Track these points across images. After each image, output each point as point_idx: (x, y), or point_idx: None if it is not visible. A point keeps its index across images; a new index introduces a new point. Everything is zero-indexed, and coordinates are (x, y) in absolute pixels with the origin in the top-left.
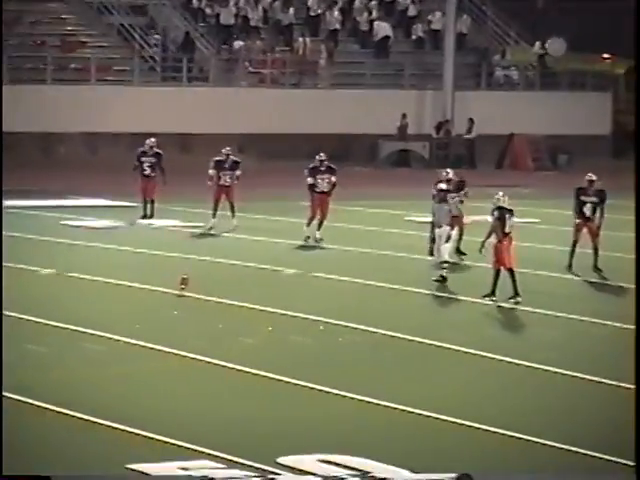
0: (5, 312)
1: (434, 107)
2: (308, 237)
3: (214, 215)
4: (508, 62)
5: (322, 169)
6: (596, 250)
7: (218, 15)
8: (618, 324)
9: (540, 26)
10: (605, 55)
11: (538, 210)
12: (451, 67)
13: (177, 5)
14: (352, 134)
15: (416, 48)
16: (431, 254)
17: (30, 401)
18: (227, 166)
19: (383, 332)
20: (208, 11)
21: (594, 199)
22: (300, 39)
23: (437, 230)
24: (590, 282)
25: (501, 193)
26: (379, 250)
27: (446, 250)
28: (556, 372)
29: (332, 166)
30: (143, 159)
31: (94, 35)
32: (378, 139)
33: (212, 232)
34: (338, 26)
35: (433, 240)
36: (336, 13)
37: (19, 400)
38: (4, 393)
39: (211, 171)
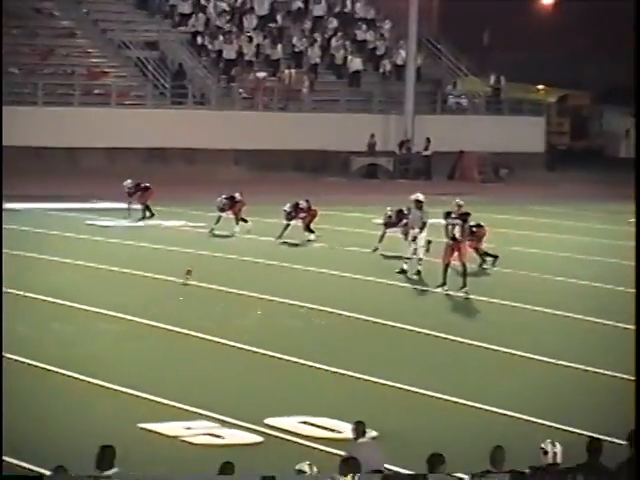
0: (36, 295)
1: (397, 128)
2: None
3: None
4: (459, 91)
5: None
6: (464, 266)
7: (220, 51)
8: (559, 312)
9: (485, 61)
10: (539, 86)
11: (484, 215)
12: (411, 95)
13: (184, 41)
14: (329, 150)
15: (383, 80)
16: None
17: (60, 370)
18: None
19: (356, 316)
20: (210, 47)
21: (458, 221)
22: (286, 71)
23: (411, 231)
24: (513, 273)
25: (457, 200)
26: (351, 247)
27: (421, 250)
28: (496, 350)
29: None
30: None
31: (115, 66)
32: (350, 155)
33: (215, 232)
34: (318, 60)
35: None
36: (316, 50)
37: (50, 370)
38: (36, 363)
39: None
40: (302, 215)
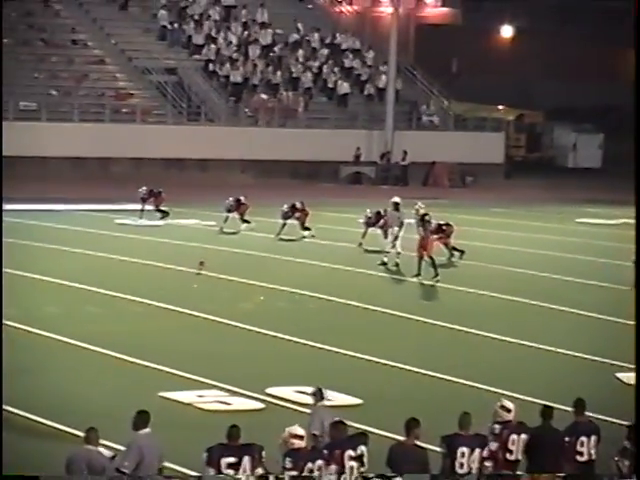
0: (72, 284)
1: (379, 142)
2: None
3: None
4: (431, 111)
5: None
6: (431, 259)
7: (228, 76)
8: (514, 298)
9: (454, 85)
10: (499, 106)
11: (452, 216)
12: (391, 114)
13: (198, 68)
14: (321, 160)
15: (367, 101)
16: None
17: (90, 347)
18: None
19: (343, 301)
20: (220, 72)
21: (420, 223)
22: (284, 93)
23: (390, 229)
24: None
25: (417, 205)
26: (338, 242)
27: (399, 246)
28: (460, 329)
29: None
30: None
31: (139, 89)
32: (339, 164)
33: (223, 230)
34: (311, 84)
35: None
36: (310, 75)
37: (81, 346)
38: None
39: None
40: (297, 215)
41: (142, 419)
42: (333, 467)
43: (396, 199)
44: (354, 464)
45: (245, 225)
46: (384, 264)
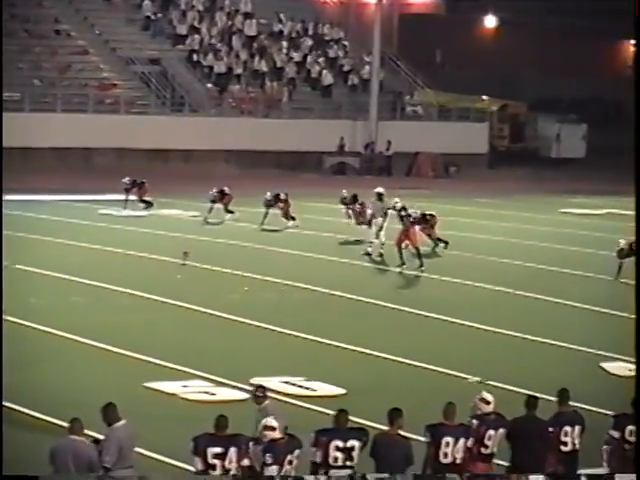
0: (55, 274)
1: (363, 132)
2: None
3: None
4: (415, 101)
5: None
6: (416, 249)
7: (212, 67)
8: (497, 288)
9: (438, 76)
10: (483, 97)
11: (435, 205)
12: (375, 104)
13: (182, 58)
14: (305, 151)
15: (351, 91)
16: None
17: (75, 337)
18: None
19: (326, 291)
20: (203, 63)
21: (403, 212)
22: (269, 83)
23: (374, 220)
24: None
25: (395, 199)
26: (321, 232)
27: (383, 236)
28: (444, 319)
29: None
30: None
31: (123, 79)
32: (323, 154)
33: (207, 220)
34: (295, 75)
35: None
36: (294, 66)
37: (66, 336)
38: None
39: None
40: (280, 205)
41: (112, 412)
42: (318, 453)
43: (379, 189)
44: (339, 455)
45: (229, 215)
46: (368, 254)
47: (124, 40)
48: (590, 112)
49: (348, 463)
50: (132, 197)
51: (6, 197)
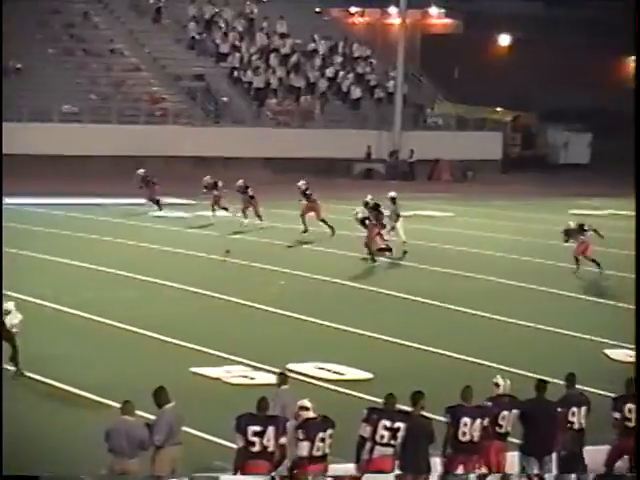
0: (109, 270)
1: (388, 141)
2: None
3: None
4: (436, 113)
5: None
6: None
7: (251, 82)
8: (511, 282)
9: (457, 90)
10: (498, 108)
11: (453, 207)
12: (399, 116)
13: (224, 75)
14: (336, 158)
15: (377, 104)
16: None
17: (128, 327)
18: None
19: (353, 284)
20: (244, 79)
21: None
22: (303, 97)
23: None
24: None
25: (369, 197)
26: (351, 232)
27: (402, 235)
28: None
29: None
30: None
31: (171, 94)
32: (352, 161)
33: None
34: (327, 89)
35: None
36: (326, 81)
37: (119, 327)
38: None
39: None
40: (249, 198)
41: (163, 395)
42: (368, 429)
43: (392, 194)
44: (386, 434)
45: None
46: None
47: (172, 58)
48: (595, 121)
49: (392, 442)
50: (172, 200)
51: (68, 201)
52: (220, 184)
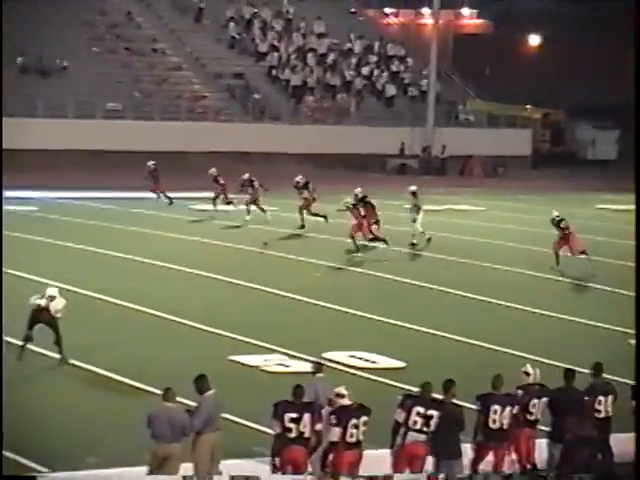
0: (146, 260)
1: (421, 138)
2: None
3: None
4: (467, 110)
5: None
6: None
7: (289, 80)
8: (538, 274)
9: (488, 87)
10: (528, 106)
11: (484, 202)
12: (432, 113)
13: (263, 73)
14: (370, 153)
15: (410, 101)
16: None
17: (167, 316)
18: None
19: (387, 276)
20: (282, 77)
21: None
22: (339, 95)
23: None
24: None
25: (358, 189)
26: (384, 225)
27: (420, 226)
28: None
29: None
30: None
31: (211, 91)
32: (386, 157)
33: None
34: (362, 88)
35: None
36: (361, 80)
37: (163, 317)
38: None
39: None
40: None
41: (204, 383)
42: (402, 414)
43: (413, 188)
44: (419, 420)
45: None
46: (413, 244)
47: (212, 57)
48: (623, 118)
49: (425, 429)
50: (211, 194)
51: (116, 194)
52: (256, 184)
